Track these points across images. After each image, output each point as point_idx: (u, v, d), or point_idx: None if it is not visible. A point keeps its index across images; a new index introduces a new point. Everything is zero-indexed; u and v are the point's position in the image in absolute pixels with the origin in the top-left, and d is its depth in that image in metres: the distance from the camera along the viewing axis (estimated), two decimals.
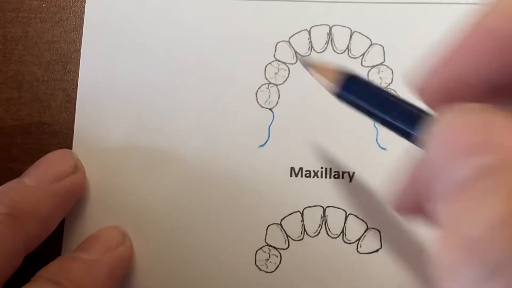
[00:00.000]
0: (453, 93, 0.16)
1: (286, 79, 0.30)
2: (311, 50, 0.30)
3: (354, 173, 0.29)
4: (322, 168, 0.29)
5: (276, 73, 0.30)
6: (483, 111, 0.14)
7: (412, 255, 0.28)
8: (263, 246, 0.28)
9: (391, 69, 0.29)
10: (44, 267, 0.25)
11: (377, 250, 0.28)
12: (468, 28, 0.16)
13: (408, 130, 0.18)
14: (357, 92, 0.21)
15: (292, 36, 0.30)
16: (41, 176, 0.27)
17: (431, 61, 0.17)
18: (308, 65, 0.24)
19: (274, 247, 0.28)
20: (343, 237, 0.28)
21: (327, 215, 0.28)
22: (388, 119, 0.19)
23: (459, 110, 0.15)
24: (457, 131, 0.14)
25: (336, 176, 0.29)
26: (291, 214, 0.28)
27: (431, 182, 0.15)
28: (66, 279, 0.24)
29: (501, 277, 0.12)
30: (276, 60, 0.30)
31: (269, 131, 0.29)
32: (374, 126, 0.29)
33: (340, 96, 0.22)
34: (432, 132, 0.15)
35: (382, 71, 0.29)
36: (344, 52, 0.30)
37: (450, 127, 0.14)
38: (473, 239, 0.12)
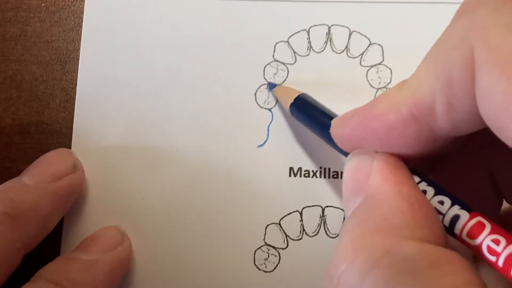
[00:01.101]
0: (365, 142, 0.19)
1: (285, 79, 0.30)
2: (310, 50, 0.30)
3: None
4: (320, 168, 0.29)
5: (275, 74, 0.30)
6: (365, 158, 0.18)
7: None
8: (262, 246, 0.28)
9: (389, 69, 0.30)
10: (43, 267, 0.25)
11: None
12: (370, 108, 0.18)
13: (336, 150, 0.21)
14: (302, 110, 0.26)
15: (291, 36, 0.30)
16: (40, 175, 0.27)
17: (352, 118, 0.19)
18: (274, 89, 0.29)
19: (273, 247, 0.28)
20: None
21: (326, 215, 0.28)
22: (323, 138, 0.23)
23: (350, 157, 0.19)
24: (346, 175, 0.19)
25: (335, 176, 0.29)
26: (290, 214, 0.28)
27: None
28: (65, 280, 0.24)
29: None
30: (275, 60, 0.30)
31: (268, 131, 0.29)
32: None
33: (291, 112, 0.27)
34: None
35: (381, 71, 0.30)
36: (343, 51, 0.30)
37: (347, 170, 0.19)
38: (336, 274, 0.16)
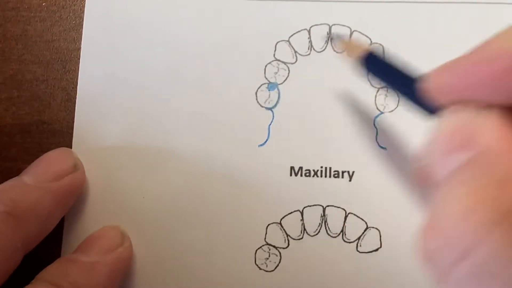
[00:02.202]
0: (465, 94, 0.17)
1: (286, 78, 0.30)
2: (311, 50, 0.30)
3: (353, 172, 0.29)
4: (321, 167, 0.29)
5: (276, 73, 0.30)
6: (471, 113, 0.17)
7: (411, 254, 0.28)
8: (263, 245, 0.28)
9: None
10: (44, 269, 0.25)
11: (377, 249, 0.28)
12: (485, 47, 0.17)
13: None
14: (378, 64, 0.24)
15: (292, 35, 0.30)
16: (40, 175, 0.27)
17: (450, 67, 0.18)
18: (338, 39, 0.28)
19: (274, 246, 0.28)
20: (342, 236, 0.28)
21: (327, 214, 0.28)
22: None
23: (452, 113, 0.17)
24: (447, 131, 0.17)
25: (336, 175, 0.29)
26: (291, 213, 0.28)
27: (431, 171, 0.17)
28: (66, 282, 0.24)
29: (466, 262, 0.14)
30: (276, 59, 0.30)
31: (269, 131, 0.29)
32: (374, 125, 0.29)
33: (363, 65, 0.25)
34: (432, 130, 0.17)
35: None
36: (344, 51, 0.30)
37: (444, 127, 0.17)
38: (444, 229, 0.15)
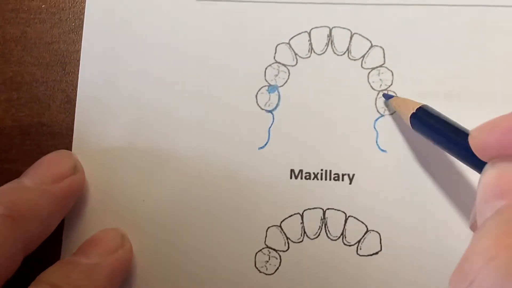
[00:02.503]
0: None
1: (286, 81, 0.30)
2: (311, 52, 0.30)
3: (354, 175, 0.29)
4: (322, 170, 0.29)
5: (276, 75, 0.30)
6: (507, 163, 0.18)
7: (412, 257, 0.28)
8: (263, 248, 0.28)
9: (391, 71, 0.30)
10: (44, 271, 0.25)
11: (377, 253, 0.28)
12: None
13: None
14: (425, 122, 0.25)
15: (292, 38, 0.30)
16: (40, 177, 0.27)
17: (499, 124, 0.19)
18: (390, 99, 0.29)
19: (274, 249, 0.28)
20: (343, 239, 0.28)
21: (327, 217, 0.28)
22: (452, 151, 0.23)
23: (495, 165, 0.19)
24: (489, 182, 0.18)
25: (336, 178, 0.29)
26: (291, 216, 0.28)
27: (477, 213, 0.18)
28: (66, 284, 0.24)
29: None
30: (276, 62, 0.30)
31: (269, 133, 0.29)
32: (374, 128, 0.29)
33: (413, 125, 0.26)
34: (480, 178, 0.19)
35: (382, 73, 0.30)
36: (344, 54, 0.30)
37: (486, 178, 0.18)
38: (469, 272, 0.15)
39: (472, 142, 0.20)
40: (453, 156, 0.23)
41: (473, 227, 0.22)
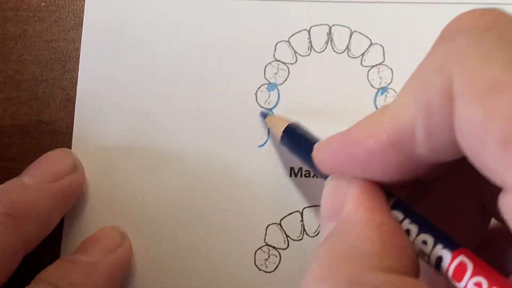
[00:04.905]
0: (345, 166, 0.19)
1: (286, 79, 0.30)
2: (310, 50, 0.30)
3: None
4: None
5: (275, 73, 0.30)
6: (340, 182, 0.18)
7: None
8: (263, 246, 0.28)
9: (390, 69, 0.29)
10: (44, 269, 0.25)
11: None
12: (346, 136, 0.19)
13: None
14: (291, 140, 0.26)
15: (291, 36, 0.30)
16: (40, 176, 0.27)
17: (332, 142, 0.19)
18: (265, 116, 0.29)
19: (273, 247, 0.28)
20: None
21: None
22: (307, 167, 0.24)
23: (328, 181, 0.19)
24: (324, 200, 0.19)
25: None
26: (290, 214, 0.28)
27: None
28: (66, 282, 0.24)
29: None
30: (276, 60, 0.30)
31: (268, 131, 0.29)
32: None
33: (282, 142, 0.27)
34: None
35: (381, 71, 0.29)
36: (343, 51, 0.30)
37: (324, 195, 0.19)
38: None
39: (314, 158, 0.20)
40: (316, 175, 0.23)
41: None
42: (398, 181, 0.18)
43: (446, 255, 0.16)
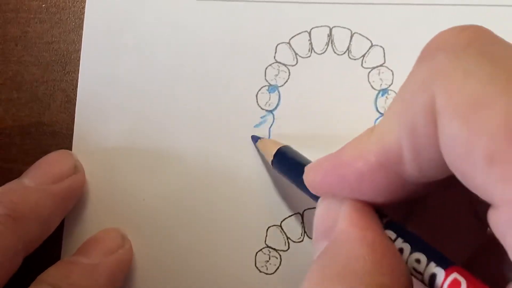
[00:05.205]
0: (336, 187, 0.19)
1: (287, 81, 0.30)
2: (311, 52, 0.30)
3: None
4: None
5: (276, 75, 0.30)
6: (331, 202, 0.19)
7: None
8: (263, 248, 0.28)
9: (391, 71, 0.29)
10: (45, 271, 0.25)
11: None
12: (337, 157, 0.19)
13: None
14: (282, 163, 0.26)
15: (292, 37, 0.30)
16: (40, 177, 0.27)
17: (324, 164, 0.19)
18: (256, 140, 0.29)
19: (274, 249, 0.28)
20: None
21: None
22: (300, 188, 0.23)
23: (320, 201, 0.19)
24: (316, 219, 0.19)
25: None
26: (291, 216, 0.28)
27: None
28: (66, 284, 0.24)
29: None
30: (277, 62, 0.30)
31: (269, 133, 0.29)
32: None
33: (273, 167, 0.27)
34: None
35: (382, 73, 0.29)
36: (344, 53, 0.30)
37: (316, 215, 0.19)
38: None
39: (305, 180, 0.20)
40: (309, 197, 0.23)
41: None
42: (389, 201, 0.18)
43: (440, 272, 0.16)
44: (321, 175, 0.19)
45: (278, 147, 0.27)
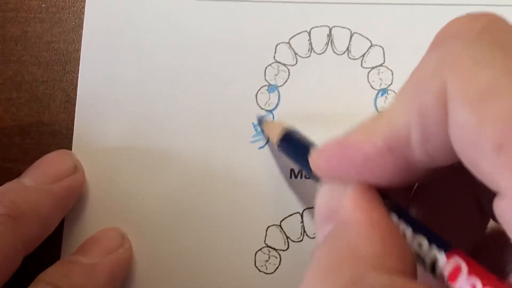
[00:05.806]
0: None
1: (286, 80, 0.30)
2: (311, 52, 0.30)
3: None
4: None
5: (276, 75, 0.30)
6: (336, 184, 0.18)
7: None
8: (263, 247, 0.28)
9: (391, 70, 0.30)
10: (45, 270, 0.25)
11: None
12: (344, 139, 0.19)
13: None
14: (288, 145, 0.26)
15: (292, 37, 0.30)
16: (40, 177, 0.27)
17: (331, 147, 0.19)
18: (261, 122, 0.29)
19: (273, 248, 0.28)
20: None
21: None
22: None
23: (324, 184, 0.19)
24: (320, 202, 0.19)
25: None
26: (290, 215, 0.28)
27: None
28: (66, 283, 0.24)
29: None
30: (276, 61, 0.30)
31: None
32: None
33: (279, 148, 0.27)
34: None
35: (382, 72, 0.30)
36: (344, 53, 0.30)
37: (319, 198, 0.19)
38: None
39: (311, 162, 0.20)
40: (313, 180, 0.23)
41: None
42: (395, 185, 0.18)
43: (441, 256, 0.16)
44: (327, 157, 0.19)
45: (284, 129, 0.26)
